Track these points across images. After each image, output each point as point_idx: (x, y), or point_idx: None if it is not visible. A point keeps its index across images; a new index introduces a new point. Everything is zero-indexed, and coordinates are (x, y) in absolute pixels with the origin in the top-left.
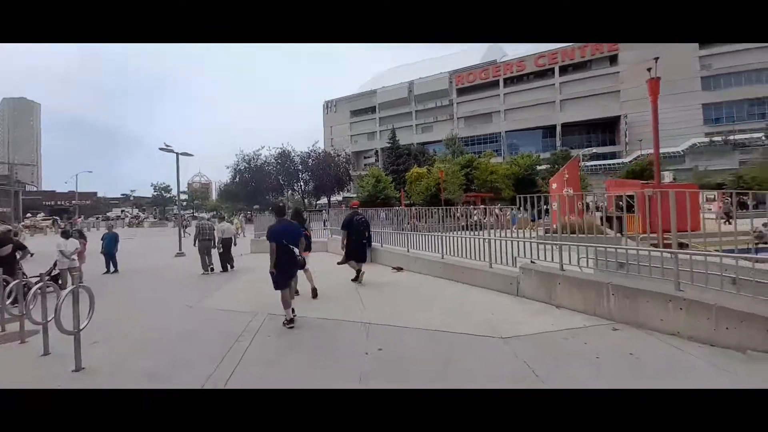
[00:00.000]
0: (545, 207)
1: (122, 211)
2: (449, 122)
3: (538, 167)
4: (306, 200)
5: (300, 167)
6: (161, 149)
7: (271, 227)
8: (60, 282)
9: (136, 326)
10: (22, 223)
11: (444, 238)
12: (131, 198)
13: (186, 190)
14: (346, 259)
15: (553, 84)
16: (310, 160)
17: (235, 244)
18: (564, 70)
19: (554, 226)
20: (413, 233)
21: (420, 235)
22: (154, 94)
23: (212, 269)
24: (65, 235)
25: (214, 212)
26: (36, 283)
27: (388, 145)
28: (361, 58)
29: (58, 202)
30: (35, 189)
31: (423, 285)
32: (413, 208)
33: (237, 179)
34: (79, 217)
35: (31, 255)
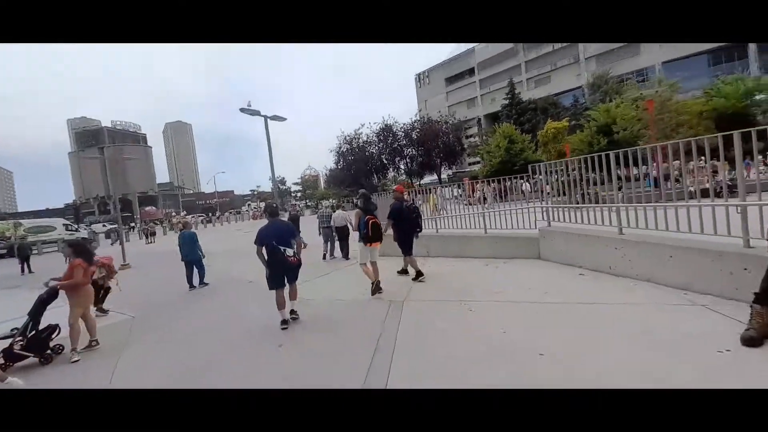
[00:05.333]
0: None
1: (248, 204)
2: (573, 67)
3: (758, 96)
4: (411, 180)
5: (404, 142)
6: (242, 110)
7: (260, 229)
8: None
9: None
10: (174, 220)
11: None
12: (256, 193)
13: (299, 181)
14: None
15: None
16: (414, 132)
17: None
18: None
19: None
20: None
21: None
22: (260, 100)
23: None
24: None
25: (327, 201)
26: None
27: (506, 102)
28: None
29: (207, 201)
30: (191, 191)
31: None
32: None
33: (341, 163)
34: (180, 213)
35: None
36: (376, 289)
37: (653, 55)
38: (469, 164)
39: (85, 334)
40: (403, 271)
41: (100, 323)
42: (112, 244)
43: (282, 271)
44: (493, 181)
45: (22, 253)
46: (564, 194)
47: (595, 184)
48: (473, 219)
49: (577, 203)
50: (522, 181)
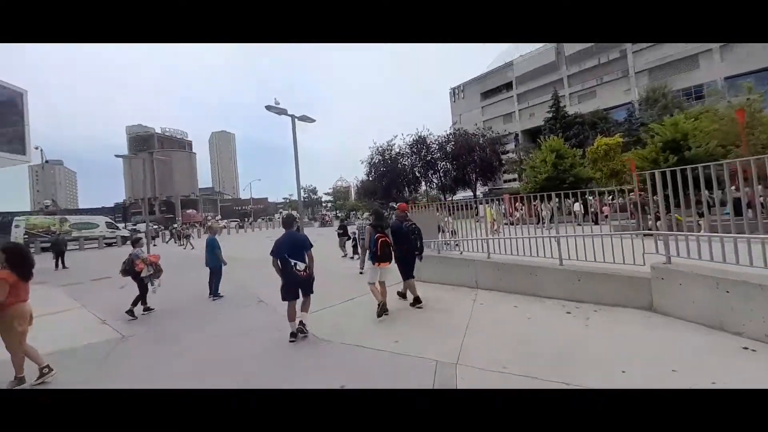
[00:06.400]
0: None
1: (280, 212)
2: (621, 81)
3: None
4: (444, 195)
5: (437, 155)
6: (268, 108)
7: (276, 241)
8: None
9: None
10: (209, 224)
11: None
12: (288, 201)
13: (330, 191)
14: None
15: None
16: (449, 145)
17: None
18: None
19: None
20: None
21: None
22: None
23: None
24: None
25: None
26: None
27: (550, 115)
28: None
29: (243, 207)
30: (230, 197)
31: None
32: None
33: (372, 174)
34: (215, 217)
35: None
36: (382, 310)
37: (713, 70)
38: (504, 181)
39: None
40: (402, 294)
41: (82, 341)
42: (154, 244)
43: (294, 284)
44: (549, 198)
45: (57, 248)
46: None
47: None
48: (536, 243)
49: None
50: (571, 200)
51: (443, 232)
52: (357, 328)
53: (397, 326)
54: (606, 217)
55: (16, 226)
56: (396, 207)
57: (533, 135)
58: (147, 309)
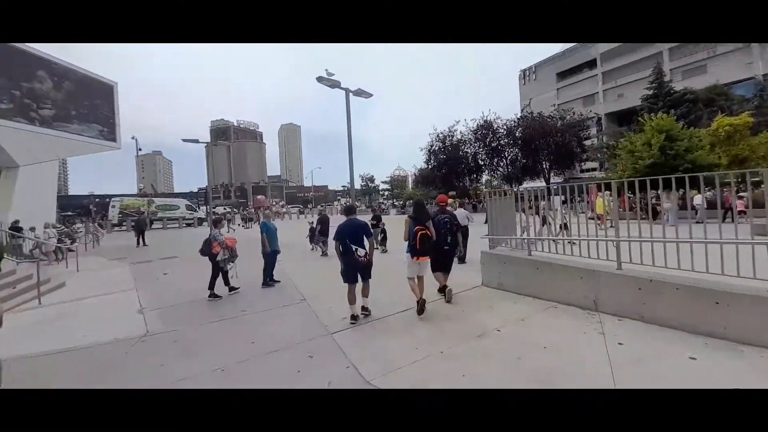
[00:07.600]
0: None
1: (338, 199)
2: (741, 53)
3: None
4: (508, 185)
5: (505, 141)
6: (319, 79)
7: (338, 226)
8: None
9: None
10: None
11: None
12: (346, 189)
13: (387, 180)
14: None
15: None
16: (518, 130)
17: None
18: None
19: None
20: None
21: None
22: (361, 105)
23: None
24: None
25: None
26: None
27: (650, 92)
28: None
29: (305, 194)
30: (294, 185)
31: None
32: None
33: (431, 162)
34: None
35: None
36: (421, 309)
37: None
38: (583, 170)
39: None
40: (442, 289)
41: (109, 336)
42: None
43: (354, 269)
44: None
45: (139, 227)
46: None
47: None
48: (720, 251)
49: None
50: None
51: (548, 224)
52: (417, 362)
53: (479, 366)
54: (741, 213)
55: (113, 207)
56: (436, 201)
57: (620, 118)
58: (232, 289)
